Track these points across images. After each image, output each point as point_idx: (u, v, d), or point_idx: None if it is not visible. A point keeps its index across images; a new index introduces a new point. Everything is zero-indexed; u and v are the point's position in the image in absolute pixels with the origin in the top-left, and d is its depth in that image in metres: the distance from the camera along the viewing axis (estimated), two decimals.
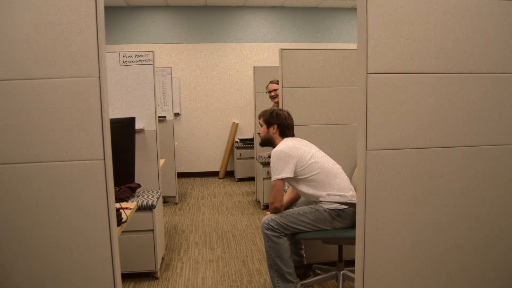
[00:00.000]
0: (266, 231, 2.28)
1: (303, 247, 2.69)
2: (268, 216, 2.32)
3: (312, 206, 2.35)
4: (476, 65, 1.43)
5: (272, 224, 2.27)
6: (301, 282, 2.46)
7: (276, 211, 2.32)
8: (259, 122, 2.52)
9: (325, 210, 2.29)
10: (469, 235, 1.49)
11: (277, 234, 2.27)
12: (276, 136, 2.46)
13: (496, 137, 1.46)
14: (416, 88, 1.39)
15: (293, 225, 2.28)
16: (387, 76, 1.37)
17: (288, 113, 2.52)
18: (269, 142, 2.49)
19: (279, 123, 2.44)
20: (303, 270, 2.63)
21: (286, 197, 2.56)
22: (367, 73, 1.35)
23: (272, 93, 3.93)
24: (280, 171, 2.29)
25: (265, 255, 2.36)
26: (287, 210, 2.35)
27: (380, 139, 1.39)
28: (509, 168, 1.49)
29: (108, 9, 5.88)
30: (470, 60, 1.42)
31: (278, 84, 3.72)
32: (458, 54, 1.41)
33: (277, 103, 3.86)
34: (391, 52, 1.36)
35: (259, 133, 2.53)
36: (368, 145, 1.38)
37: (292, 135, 2.53)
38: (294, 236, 2.37)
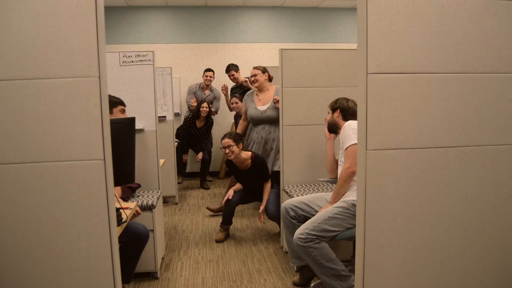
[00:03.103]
0: (307, 243, 2.19)
1: None
2: (299, 231, 2.24)
3: (338, 205, 2.30)
4: (476, 65, 1.43)
5: (308, 235, 2.20)
6: (315, 282, 2.51)
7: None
8: (328, 112, 2.70)
9: (353, 204, 2.23)
10: (469, 234, 1.49)
11: (317, 240, 2.20)
12: (339, 120, 2.59)
13: (496, 137, 1.46)
14: (416, 88, 1.39)
15: (330, 229, 2.22)
16: (387, 76, 1.37)
17: (354, 102, 2.62)
18: (334, 127, 2.64)
19: (341, 108, 2.59)
20: (313, 273, 2.59)
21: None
22: (367, 73, 1.35)
23: (252, 78, 3.86)
24: (354, 137, 2.31)
25: (315, 269, 2.26)
26: (315, 219, 2.27)
27: (380, 139, 1.39)
28: (509, 168, 1.49)
29: (108, 9, 5.87)
30: (470, 60, 1.42)
31: (258, 69, 3.82)
32: (458, 54, 1.41)
33: (257, 87, 3.87)
34: (391, 52, 1.36)
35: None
36: (368, 145, 1.38)
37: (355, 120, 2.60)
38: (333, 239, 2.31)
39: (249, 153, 3.45)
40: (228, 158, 3.43)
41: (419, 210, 1.45)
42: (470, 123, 1.44)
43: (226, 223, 3.58)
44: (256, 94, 3.88)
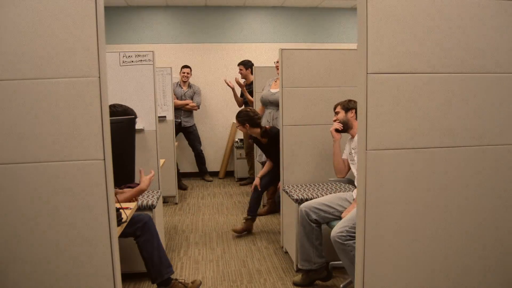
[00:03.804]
0: (347, 241, 2.13)
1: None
2: (338, 229, 2.18)
3: None
4: (476, 65, 1.43)
5: (349, 232, 2.14)
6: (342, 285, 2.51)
7: None
8: (335, 111, 2.73)
9: None
10: (469, 234, 1.50)
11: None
12: (353, 120, 2.67)
13: (496, 137, 1.46)
14: (416, 88, 1.39)
15: None
16: (387, 76, 1.37)
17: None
18: (346, 126, 2.69)
19: (356, 109, 2.64)
20: (326, 273, 2.60)
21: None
22: (367, 73, 1.35)
23: (276, 64, 4.12)
24: None
25: (350, 270, 2.19)
26: (351, 217, 2.21)
27: (380, 139, 1.39)
28: (509, 168, 1.49)
29: (108, 9, 5.87)
30: (470, 60, 1.42)
31: None
32: (457, 54, 1.41)
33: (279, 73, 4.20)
34: (391, 52, 1.36)
35: (335, 120, 2.72)
36: (368, 145, 1.38)
37: None
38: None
39: (258, 130, 3.60)
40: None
41: (419, 210, 1.45)
42: (470, 123, 1.44)
43: (252, 213, 3.63)
44: (275, 81, 4.19)
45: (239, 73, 5.30)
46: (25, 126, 1.42)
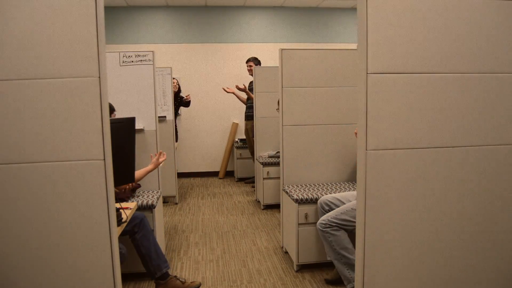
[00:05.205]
0: (326, 229, 2.41)
1: None
2: (323, 217, 2.46)
3: None
4: (476, 65, 1.43)
5: (329, 221, 2.40)
6: None
7: None
8: None
9: None
10: (469, 234, 1.50)
11: (336, 227, 2.40)
12: None
13: (496, 137, 1.47)
14: (416, 88, 1.40)
15: (350, 220, 2.38)
16: (387, 76, 1.37)
17: None
18: None
19: None
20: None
21: None
22: (367, 73, 1.35)
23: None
24: None
25: (329, 254, 2.47)
26: (339, 209, 2.46)
27: (380, 139, 1.39)
28: (509, 168, 1.49)
29: (108, 9, 5.87)
30: (470, 60, 1.42)
31: None
32: (458, 54, 1.41)
33: None
34: (391, 52, 1.36)
35: None
36: (368, 145, 1.38)
37: None
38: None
39: None
40: None
41: (418, 210, 1.45)
42: (470, 123, 1.44)
43: None
44: None
45: (249, 69, 5.26)
46: (24, 126, 1.42)
